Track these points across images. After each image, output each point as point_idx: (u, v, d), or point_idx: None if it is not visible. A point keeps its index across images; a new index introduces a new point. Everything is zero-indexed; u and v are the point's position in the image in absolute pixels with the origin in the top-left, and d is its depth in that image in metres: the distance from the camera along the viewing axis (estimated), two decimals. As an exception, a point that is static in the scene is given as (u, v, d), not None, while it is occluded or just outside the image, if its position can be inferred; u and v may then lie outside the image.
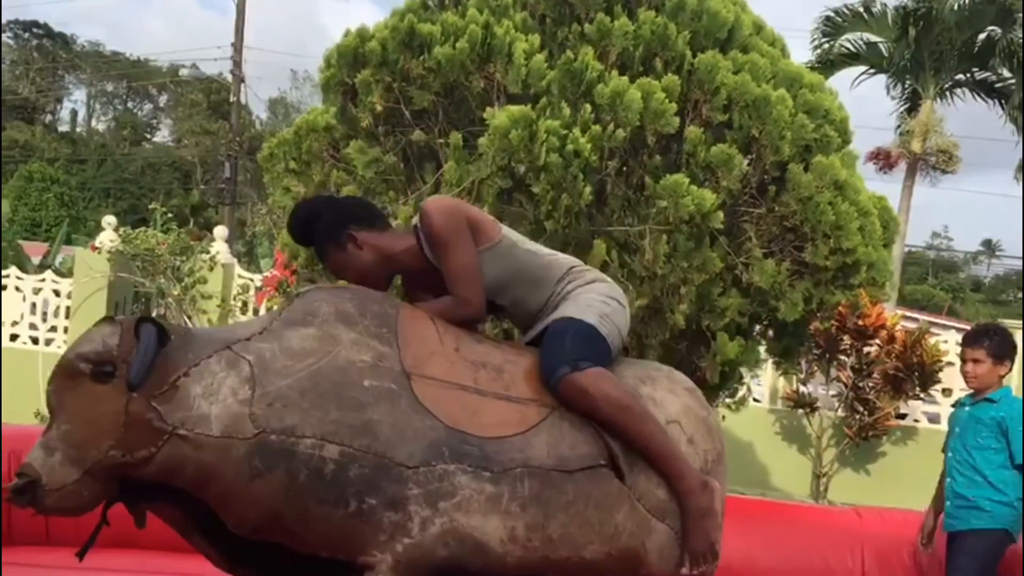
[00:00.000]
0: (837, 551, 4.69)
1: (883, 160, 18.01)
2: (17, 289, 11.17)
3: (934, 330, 9.97)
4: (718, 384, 5.45)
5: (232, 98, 27.53)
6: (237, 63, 26.37)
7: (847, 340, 9.00)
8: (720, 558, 2.75)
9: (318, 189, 5.41)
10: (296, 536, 2.42)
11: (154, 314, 10.19)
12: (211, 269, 10.68)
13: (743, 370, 5.95)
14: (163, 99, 46.49)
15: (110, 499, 2.43)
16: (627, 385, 2.72)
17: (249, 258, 18.55)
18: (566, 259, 2.96)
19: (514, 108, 4.72)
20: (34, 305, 11.17)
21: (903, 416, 9.60)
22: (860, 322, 8.73)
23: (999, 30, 17.11)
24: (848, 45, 18.20)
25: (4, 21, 41.20)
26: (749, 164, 5.05)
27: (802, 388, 9.47)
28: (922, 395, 9.27)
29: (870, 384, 9.22)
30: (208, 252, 10.92)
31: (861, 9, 17.98)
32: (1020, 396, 4.29)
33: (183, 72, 36.79)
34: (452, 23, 5.03)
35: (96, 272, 10.60)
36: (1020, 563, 4.14)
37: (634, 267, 4.94)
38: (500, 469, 2.46)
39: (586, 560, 2.55)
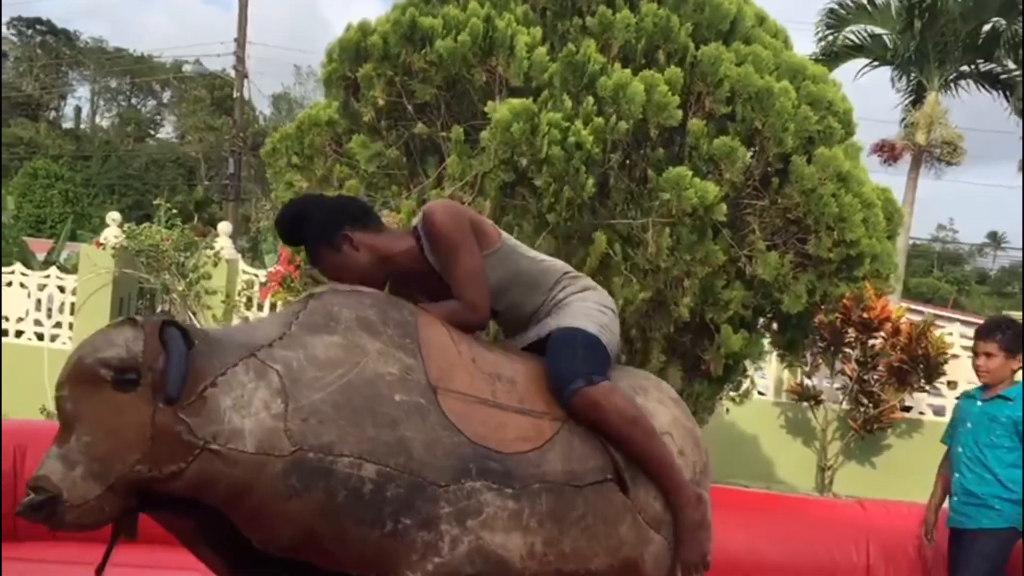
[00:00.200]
0: (842, 544, 4.69)
1: (887, 152, 18.00)
2: (22, 285, 11.18)
3: (939, 323, 9.93)
4: (722, 377, 5.45)
5: (235, 94, 27.55)
6: (240, 59, 26.37)
7: (852, 333, 8.95)
8: (710, 567, 2.80)
9: (321, 183, 5.41)
10: (329, 555, 2.36)
11: (159, 310, 10.22)
12: (215, 265, 10.70)
13: (747, 363, 5.94)
14: (167, 95, 46.48)
15: (129, 512, 2.29)
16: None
17: (253, 254, 18.60)
18: (558, 265, 2.95)
19: (516, 101, 4.71)
20: (39, 301, 11.17)
21: (908, 409, 9.57)
22: (865, 315, 8.71)
23: (1004, 21, 17.06)
24: (852, 37, 18.19)
25: (7, 18, 41.30)
26: (752, 156, 5.04)
27: (807, 381, 9.45)
28: (927, 388, 9.24)
29: (875, 377, 9.19)
30: (212, 248, 10.95)
31: (865, 1, 17.94)
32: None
33: (186, 68, 36.91)
34: (453, 16, 5.02)
35: (101, 268, 10.60)
36: (1022, 561, 4.15)
37: (637, 260, 4.93)
38: (520, 485, 2.46)
39: (592, 572, 2.58)
